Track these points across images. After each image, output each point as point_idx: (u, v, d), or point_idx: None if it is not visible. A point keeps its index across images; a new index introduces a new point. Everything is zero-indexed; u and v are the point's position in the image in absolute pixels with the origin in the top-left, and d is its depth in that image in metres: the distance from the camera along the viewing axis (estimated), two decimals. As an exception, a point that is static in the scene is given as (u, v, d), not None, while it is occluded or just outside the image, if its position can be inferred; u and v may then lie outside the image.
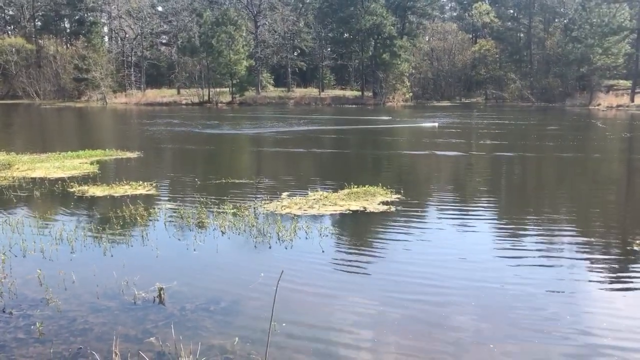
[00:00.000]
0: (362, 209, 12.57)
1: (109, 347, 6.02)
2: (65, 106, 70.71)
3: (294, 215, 12.00)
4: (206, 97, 74.32)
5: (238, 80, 75.56)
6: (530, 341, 6.37)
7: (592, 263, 9.10)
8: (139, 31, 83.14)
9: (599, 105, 62.88)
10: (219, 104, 72.90)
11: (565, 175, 19.01)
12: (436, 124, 39.06)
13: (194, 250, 9.77)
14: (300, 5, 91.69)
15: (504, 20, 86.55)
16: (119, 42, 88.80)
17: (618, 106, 61.12)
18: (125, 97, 77.40)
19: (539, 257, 9.42)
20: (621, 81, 73.74)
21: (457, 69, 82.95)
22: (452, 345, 6.27)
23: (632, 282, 8.32)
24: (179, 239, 10.43)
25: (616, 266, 8.97)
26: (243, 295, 7.69)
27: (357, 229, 11.55)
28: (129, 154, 22.44)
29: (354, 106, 70.56)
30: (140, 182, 15.68)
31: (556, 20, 79.88)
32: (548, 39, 76.67)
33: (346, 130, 36.83)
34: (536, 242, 10.41)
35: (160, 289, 7.60)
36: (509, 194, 16.25)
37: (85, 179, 16.46)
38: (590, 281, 8.33)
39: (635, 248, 9.63)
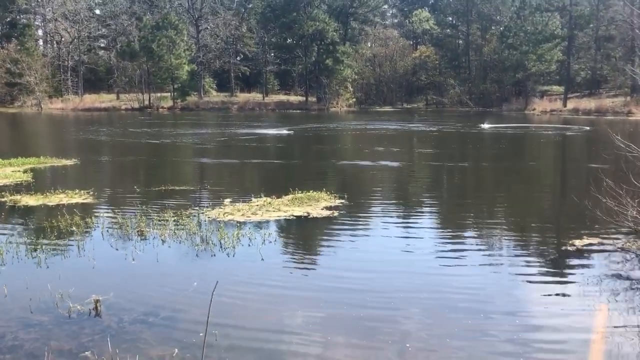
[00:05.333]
0: (305, 214, 12.54)
1: (41, 363, 5.77)
2: (-3, 112, 67.78)
3: (237, 222, 11.86)
4: (147, 102, 72.67)
5: (180, 85, 74.35)
6: (472, 340, 6.48)
7: (529, 263, 9.38)
8: (76, 35, 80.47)
9: (534, 109, 65.21)
10: (160, 109, 71.47)
11: (503, 182, 19.59)
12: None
13: (133, 260, 9.49)
14: (243, 10, 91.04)
15: (443, 27, 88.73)
16: (55, 45, 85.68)
17: (552, 111, 63.53)
18: (62, 103, 74.73)
19: (479, 257, 9.67)
20: (554, 87, 76.83)
21: (399, 74, 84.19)
22: (398, 345, 6.32)
23: (567, 280, 8.62)
24: (117, 249, 10.12)
25: (552, 265, 9.28)
26: (183, 305, 7.51)
27: (300, 235, 11.52)
28: (64, 162, 21.66)
29: (298, 111, 70.57)
30: (77, 191, 15.15)
31: (493, 28, 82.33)
32: (485, 45, 78.94)
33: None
34: (476, 244, 10.66)
35: (97, 301, 7.35)
36: (449, 199, 16.57)
37: (17, 188, 15.76)
38: (527, 280, 8.58)
39: (569, 248, 9.99)
